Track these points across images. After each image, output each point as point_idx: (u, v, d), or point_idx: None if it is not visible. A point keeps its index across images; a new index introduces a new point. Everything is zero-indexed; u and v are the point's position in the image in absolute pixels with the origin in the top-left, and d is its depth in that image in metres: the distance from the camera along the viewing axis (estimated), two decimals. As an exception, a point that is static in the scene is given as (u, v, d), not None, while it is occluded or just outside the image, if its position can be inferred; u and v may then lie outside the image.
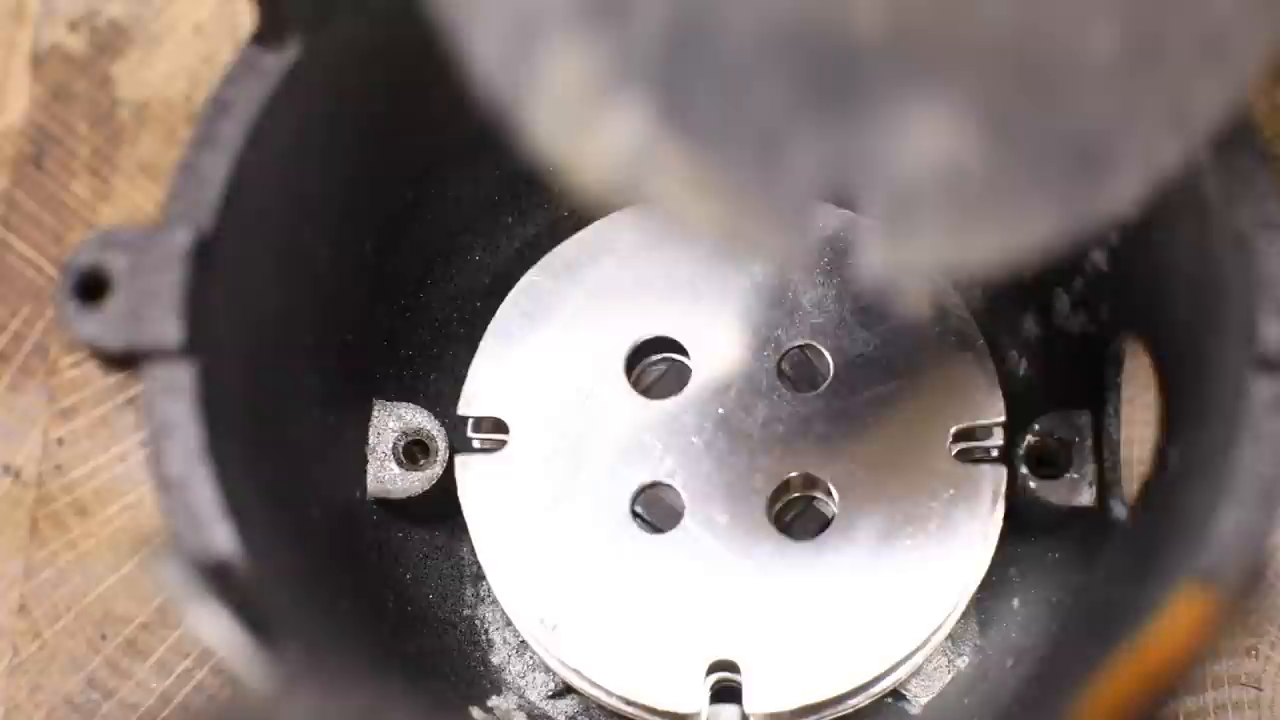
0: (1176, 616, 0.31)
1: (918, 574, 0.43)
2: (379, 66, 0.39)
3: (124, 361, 0.33)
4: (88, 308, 0.33)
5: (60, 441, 0.51)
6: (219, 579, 0.31)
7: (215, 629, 0.30)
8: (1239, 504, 0.32)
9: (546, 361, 0.45)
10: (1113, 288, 0.41)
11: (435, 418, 0.44)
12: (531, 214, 0.47)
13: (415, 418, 0.44)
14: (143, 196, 0.53)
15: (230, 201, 0.34)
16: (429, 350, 0.46)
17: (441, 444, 0.44)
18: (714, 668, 0.42)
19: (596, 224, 0.46)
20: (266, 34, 0.35)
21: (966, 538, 0.43)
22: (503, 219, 0.47)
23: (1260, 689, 0.46)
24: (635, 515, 0.44)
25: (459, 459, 0.44)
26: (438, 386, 0.46)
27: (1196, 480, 0.35)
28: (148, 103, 0.54)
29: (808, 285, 0.45)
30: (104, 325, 0.33)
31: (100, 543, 0.50)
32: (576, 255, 0.46)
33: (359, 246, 0.42)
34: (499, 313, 0.45)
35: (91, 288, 0.33)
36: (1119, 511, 0.42)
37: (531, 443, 0.44)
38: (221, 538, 0.32)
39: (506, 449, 0.44)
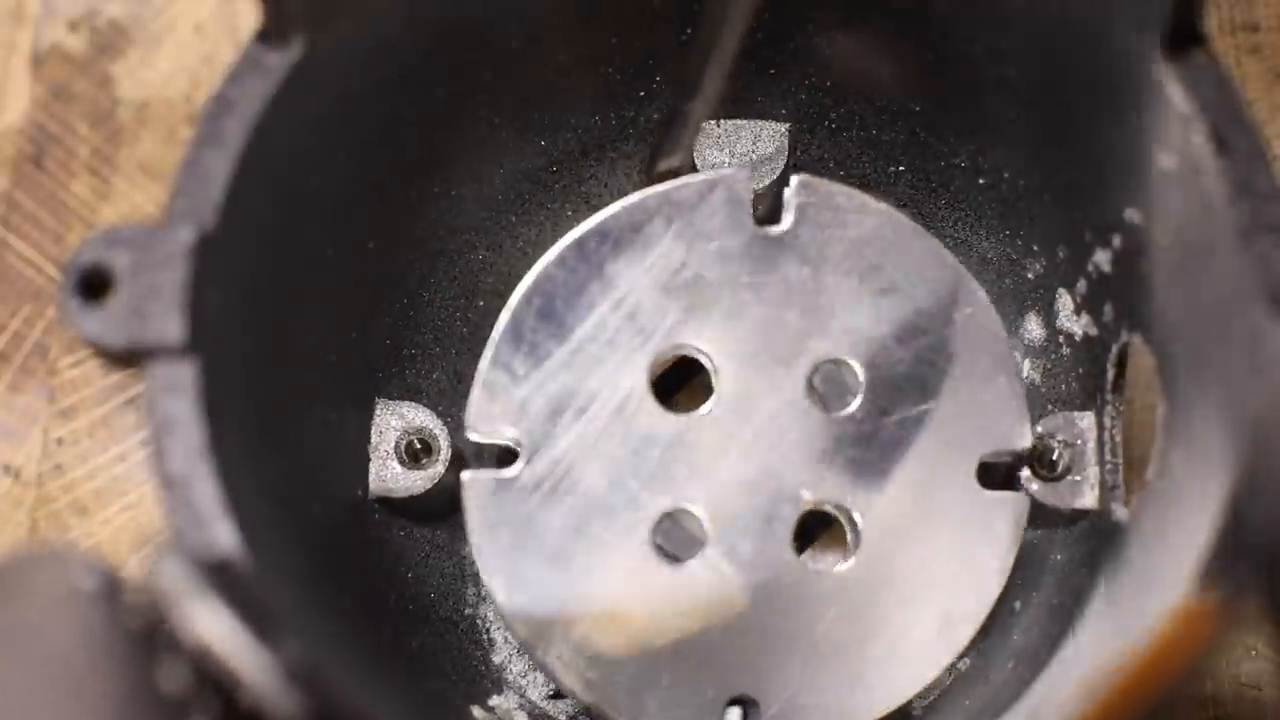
0: (1178, 619, 0.31)
1: (935, 609, 0.42)
2: (382, 65, 0.39)
3: (126, 359, 0.33)
4: (90, 305, 0.33)
5: (60, 441, 0.51)
6: (220, 577, 0.31)
7: (216, 627, 0.30)
8: (1242, 507, 0.32)
9: (559, 375, 0.42)
10: (1116, 290, 0.41)
11: (438, 417, 0.44)
12: (535, 213, 0.47)
13: (417, 416, 0.44)
14: (143, 196, 0.53)
15: (233, 199, 0.34)
16: (432, 349, 0.46)
17: (444, 443, 0.44)
18: (732, 702, 0.42)
19: (605, 212, 0.43)
20: (270, 32, 0.35)
21: (983, 572, 0.42)
22: (506, 218, 0.47)
23: (1260, 689, 0.46)
24: (654, 543, 0.42)
25: (465, 478, 0.42)
26: (440, 385, 0.46)
27: (1198, 483, 0.35)
28: (148, 103, 0.54)
29: (842, 293, 0.43)
30: (106, 323, 0.33)
31: (100, 543, 0.49)
32: (592, 252, 0.43)
33: (362, 245, 0.42)
34: (508, 316, 0.43)
35: (94, 285, 0.33)
36: (1121, 514, 0.42)
37: (543, 466, 0.42)
38: (223, 535, 0.32)
39: (518, 475, 0.42)
